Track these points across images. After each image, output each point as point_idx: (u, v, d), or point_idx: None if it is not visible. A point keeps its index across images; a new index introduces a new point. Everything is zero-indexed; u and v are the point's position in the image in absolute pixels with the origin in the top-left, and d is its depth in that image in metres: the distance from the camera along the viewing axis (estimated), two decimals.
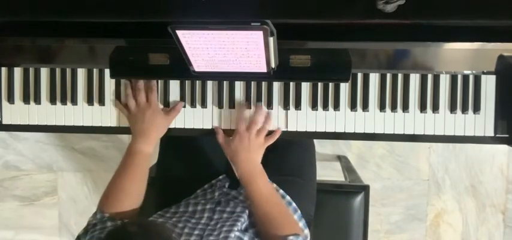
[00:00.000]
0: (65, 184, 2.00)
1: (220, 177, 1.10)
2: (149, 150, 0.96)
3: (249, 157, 0.95)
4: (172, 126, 1.01)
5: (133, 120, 0.97)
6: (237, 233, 0.84)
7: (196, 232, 0.84)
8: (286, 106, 0.99)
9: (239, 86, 1.00)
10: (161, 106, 1.00)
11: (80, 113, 1.03)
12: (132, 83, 0.99)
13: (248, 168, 0.95)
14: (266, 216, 0.91)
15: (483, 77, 0.95)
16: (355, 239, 1.23)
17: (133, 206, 0.94)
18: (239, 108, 0.99)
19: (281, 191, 1.04)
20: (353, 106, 0.98)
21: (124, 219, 0.89)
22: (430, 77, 0.96)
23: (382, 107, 0.98)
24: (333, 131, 0.99)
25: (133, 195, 0.94)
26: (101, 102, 1.02)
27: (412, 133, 0.98)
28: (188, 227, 0.86)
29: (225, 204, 0.95)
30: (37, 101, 1.03)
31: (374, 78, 0.97)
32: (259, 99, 0.99)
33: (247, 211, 0.94)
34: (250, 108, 0.99)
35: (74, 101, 1.02)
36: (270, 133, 0.99)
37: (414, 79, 0.97)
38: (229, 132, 1.00)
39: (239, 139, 0.95)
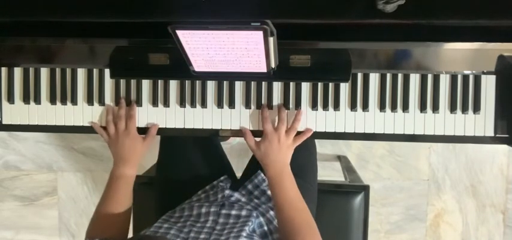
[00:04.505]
0: (65, 184, 2.00)
1: (222, 178, 1.10)
2: (132, 173, 0.98)
3: (279, 158, 0.94)
4: (172, 126, 1.01)
5: (113, 145, 0.99)
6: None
7: (202, 236, 0.84)
8: (286, 106, 0.99)
9: (239, 86, 1.00)
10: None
11: (80, 113, 1.03)
12: (113, 109, 1.00)
13: (278, 170, 0.94)
14: (289, 221, 0.89)
15: (483, 77, 0.95)
16: (355, 239, 1.24)
17: (121, 229, 0.95)
18: (262, 109, 0.98)
19: None
20: (353, 106, 0.98)
21: None
22: (430, 77, 0.96)
23: (382, 107, 0.98)
24: (333, 131, 0.99)
25: (120, 218, 0.95)
26: (101, 102, 1.02)
27: (412, 133, 0.98)
28: (194, 231, 0.86)
29: (229, 207, 0.95)
30: (37, 101, 1.03)
31: (374, 78, 0.97)
32: (259, 99, 0.99)
33: (254, 213, 0.93)
34: (272, 108, 0.99)
35: (74, 101, 1.02)
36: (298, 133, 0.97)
37: (414, 79, 0.97)
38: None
39: (268, 140, 0.94)
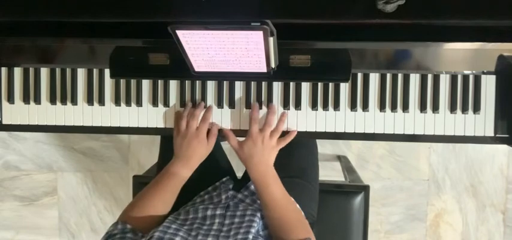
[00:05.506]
0: (65, 184, 2.00)
1: (224, 179, 1.10)
2: (187, 175, 0.97)
3: (262, 160, 0.94)
4: (170, 126, 1.01)
5: (179, 142, 0.97)
6: None
7: (209, 239, 0.84)
8: (286, 106, 0.99)
9: (239, 86, 1.00)
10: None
11: (80, 113, 1.03)
12: (190, 107, 0.99)
13: (262, 171, 0.94)
14: (278, 220, 0.90)
15: (483, 77, 0.95)
16: (355, 239, 1.24)
17: (157, 222, 0.93)
18: (252, 108, 0.98)
19: None
20: (353, 106, 0.98)
21: (144, 234, 0.88)
22: (430, 77, 0.96)
23: (382, 107, 0.98)
24: (333, 131, 0.99)
25: (160, 213, 0.94)
26: (101, 102, 1.02)
27: (412, 133, 0.98)
28: (201, 234, 0.85)
29: (234, 208, 0.95)
30: (37, 101, 1.03)
31: (374, 78, 0.97)
32: (259, 99, 0.99)
33: (258, 214, 0.93)
34: (262, 108, 0.99)
35: (74, 101, 1.02)
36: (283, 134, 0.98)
37: (414, 79, 0.97)
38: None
39: (252, 142, 0.95)
